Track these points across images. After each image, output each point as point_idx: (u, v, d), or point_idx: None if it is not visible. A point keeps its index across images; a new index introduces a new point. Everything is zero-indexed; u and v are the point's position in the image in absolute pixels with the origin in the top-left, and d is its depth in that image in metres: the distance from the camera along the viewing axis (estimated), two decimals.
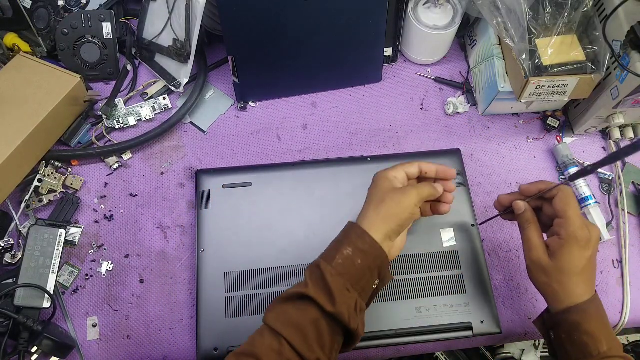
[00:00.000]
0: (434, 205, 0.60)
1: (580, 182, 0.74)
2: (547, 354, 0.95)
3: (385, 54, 0.82)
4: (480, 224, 0.69)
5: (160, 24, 0.77)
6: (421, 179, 0.59)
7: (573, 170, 0.75)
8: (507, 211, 0.61)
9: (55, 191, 0.73)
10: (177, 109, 0.78)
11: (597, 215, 0.73)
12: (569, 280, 0.55)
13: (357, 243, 0.51)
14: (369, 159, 0.73)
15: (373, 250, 0.51)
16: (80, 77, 0.73)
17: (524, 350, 0.91)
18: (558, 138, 0.79)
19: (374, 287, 0.53)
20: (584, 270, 0.55)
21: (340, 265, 0.50)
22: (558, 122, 0.79)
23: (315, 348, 0.47)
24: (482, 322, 0.65)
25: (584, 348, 0.53)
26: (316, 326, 0.48)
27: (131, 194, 0.75)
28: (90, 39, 0.79)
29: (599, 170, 0.77)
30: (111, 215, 0.74)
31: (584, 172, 0.53)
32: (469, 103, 0.82)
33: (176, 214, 0.74)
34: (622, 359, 0.53)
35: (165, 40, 0.77)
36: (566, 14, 0.67)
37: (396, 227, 0.53)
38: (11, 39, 0.76)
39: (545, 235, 0.59)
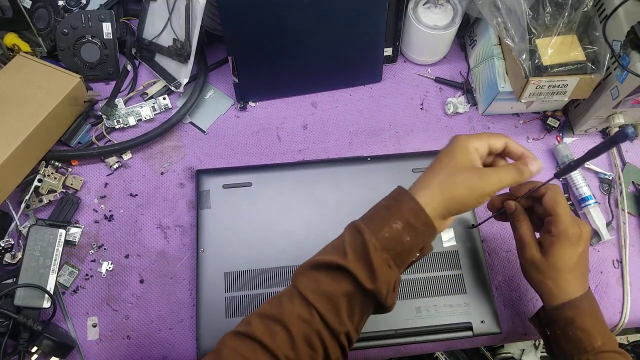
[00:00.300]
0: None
1: (580, 182, 0.74)
2: (547, 354, 0.95)
3: (385, 54, 0.82)
4: (475, 226, 0.69)
5: (160, 24, 0.77)
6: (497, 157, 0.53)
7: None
8: (499, 212, 0.62)
9: (55, 191, 0.73)
10: (177, 109, 0.78)
11: (597, 215, 0.73)
12: (562, 277, 0.55)
13: (409, 218, 0.46)
14: (369, 159, 0.73)
15: (425, 229, 0.47)
16: (80, 77, 0.73)
17: (524, 350, 0.91)
18: (558, 138, 0.79)
19: (414, 259, 0.50)
20: (576, 267, 0.55)
21: (386, 240, 0.45)
22: (558, 122, 0.79)
23: (345, 320, 0.45)
24: (482, 322, 0.65)
25: (579, 343, 0.54)
26: (349, 299, 0.45)
27: (131, 194, 0.75)
28: (90, 39, 0.79)
29: (599, 170, 0.77)
30: (111, 215, 0.74)
31: (569, 168, 0.53)
32: (469, 103, 0.82)
33: (176, 214, 0.74)
34: (617, 354, 0.54)
35: (165, 40, 0.77)
36: (566, 14, 0.67)
37: (457, 211, 0.48)
38: (11, 39, 0.76)
39: (537, 234, 0.59)
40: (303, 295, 0.45)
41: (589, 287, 0.57)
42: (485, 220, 0.69)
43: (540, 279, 0.57)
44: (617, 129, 0.78)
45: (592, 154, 0.49)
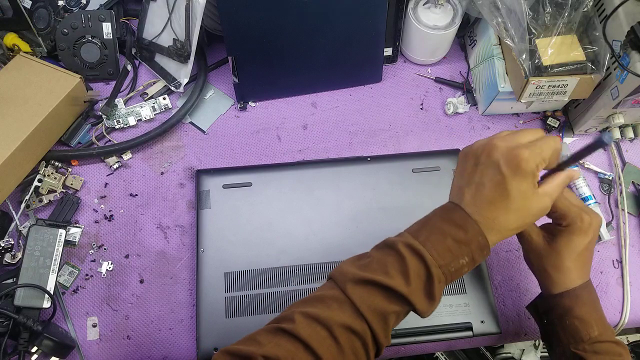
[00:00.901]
0: None
1: (580, 182, 0.74)
2: (547, 354, 0.95)
3: (385, 54, 0.82)
4: None
5: (160, 24, 0.77)
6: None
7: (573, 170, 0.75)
8: None
9: (55, 191, 0.73)
10: (177, 109, 0.78)
11: None
12: (565, 266, 0.54)
13: (475, 255, 0.46)
14: (369, 159, 0.73)
15: (483, 259, 0.47)
16: (80, 77, 0.73)
17: (524, 350, 0.91)
18: (558, 138, 0.79)
19: None
20: (580, 256, 0.55)
21: (450, 274, 0.46)
22: (558, 122, 0.79)
23: (389, 335, 0.46)
24: (482, 322, 0.65)
25: (575, 333, 0.54)
26: (397, 317, 0.46)
27: (131, 194, 0.75)
28: (90, 39, 0.79)
29: (599, 170, 0.77)
30: (111, 215, 0.74)
31: (555, 170, 0.50)
32: (469, 103, 0.82)
33: (176, 214, 0.74)
34: (614, 344, 0.53)
35: (165, 40, 0.77)
36: (566, 14, 0.67)
37: (512, 234, 0.49)
38: (11, 39, 0.76)
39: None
40: (357, 307, 0.44)
41: (589, 278, 0.56)
42: None
43: (542, 265, 0.56)
44: (617, 129, 0.78)
45: (570, 161, 0.48)
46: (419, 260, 0.45)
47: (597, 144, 0.43)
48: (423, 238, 0.46)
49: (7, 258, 0.68)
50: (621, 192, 0.76)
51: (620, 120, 0.73)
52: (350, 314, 0.44)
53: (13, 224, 0.71)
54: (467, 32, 0.84)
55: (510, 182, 0.45)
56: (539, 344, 0.91)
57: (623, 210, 0.75)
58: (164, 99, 0.80)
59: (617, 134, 0.78)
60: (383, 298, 0.45)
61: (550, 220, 0.58)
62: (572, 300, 0.54)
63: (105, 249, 0.72)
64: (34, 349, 0.63)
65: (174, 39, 0.75)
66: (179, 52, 0.75)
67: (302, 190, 0.70)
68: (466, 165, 0.50)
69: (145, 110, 0.79)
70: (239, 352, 0.42)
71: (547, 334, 0.58)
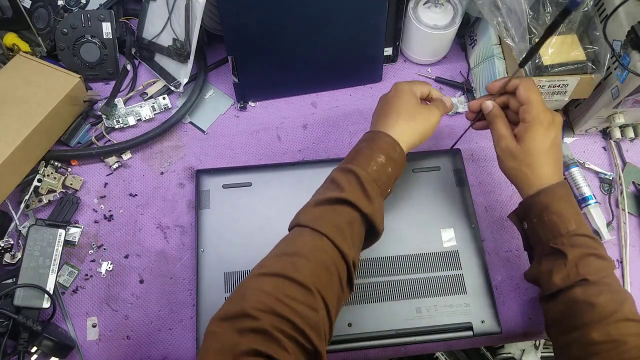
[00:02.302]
0: None
1: (580, 182, 0.74)
2: (547, 354, 0.95)
3: (385, 53, 0.82)
4: (453, 147, 0.73)
5: (160, 24, 0.77)
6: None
7: (574, 169, 0.75)
8: (476, 119, 0.65)
9: (55, 191, 0.73)
10: (177, 108, 0.78)
11: (597, 215, 0.73)
12: (537, 162, 0.57)
13: (389, 152, 0.55)
14: None
15: (401, 160, 0.57)
16: (80, 77, 0.73)
17: (524, 350, 0.91)
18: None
19: (389, 191, 0.57)
20: (550, 152, 0.57)
21: (374, 172, 0.54)
22: None
23: (351, 247, 0.50)
24: (482, 322, 0.64)
25: (554, 228, 0.56)
26: (352, 227, 0.51)
27: (131, 194, 0.75)
28: (89, 38, 0.78)
29: (600, 170, 0.77)
30: (111, 215, 0.74)
31: (530, 52, 0.56)
32: (469, 103, 0.82)
33: (176, 214, 0.74)
34: (590, 238, 0.55)
35: (165, 40, 0.77)
36: None
37: (420, 142, 0.60)
38: (11, 38, 0.76)
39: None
40: (312, 227, 0.50)
41: (565, 178, 0.59)
42: (465, 132, 0.70)
43: (516, 166, 0.58)
44: (618, 128, 0.78)
45: (551, 30, 0.51)
46: (345, 172, 0.54)
47: (571, 4, 0.47)
48: (345, 160, 0.56)
49: (7, 258, 0.68)
50: (621, 192, 0.76)
51: (620, 120, 0.73)
52: (311, 236, 0.49)
53: (13, 224, 0.71)
54: (467, 31, 0.84)
55: (396, 98, 0.60)
56: (539, 344, 0.91)
57: (623, 210, 0.75)
58: (164, 98, 0.79)
59: (617, 133, 0.78)
60: (331, 211, 0.51)
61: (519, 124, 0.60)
62: (549, 196, 0.56)
63: (104, 249, 0.72)
64: (34, 349, 0.63)
65: (173, 38, 0.75)
66: (178, 52, 0.75)
67: (302, 190, 0.70)
68: (378, 105, 0.63)
69: (145, 110, 0.79)
70: (231, 313, 0.44)
71: (528, 240, 0.61)
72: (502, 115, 0.61)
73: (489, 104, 0.62)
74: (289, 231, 0.53)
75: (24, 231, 0.70)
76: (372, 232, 0.54)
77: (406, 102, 0.60)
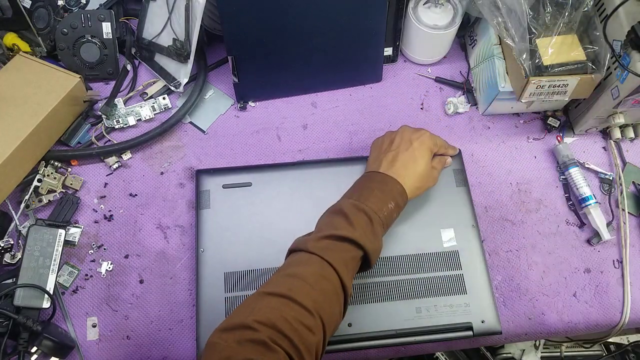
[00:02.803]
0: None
1: (580, 182, 0.74)
2: (547, 354, 0.95)
3: (385, 53, 0.82)
4: None
5: (160, 24, 0.77)
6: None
7: (574, 169, 0.75)
8: None
9: (55, 191, 0.73)
10: (177, 108, 0.78)
11: (597, 215, 0.73)
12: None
13: (398, 200, 0.60)
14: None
15: (404, 206, 0.62)
16: (80, 77, 0.73)
17: (524, 350, 0.91)
18: (558, 138, 0.79)
19: None
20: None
21: (385, 217, 0.58)
22: (558, 122, 0.79)
23: (350, 278, 0.54)
24: (482, 322, 0.64)
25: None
26: (354, 261, 0.55)
27: (131, 194, 0.75)
28: (89, 38, 0.78)
29: (600, 170, 0.77)
30: (111, 215, 0.74)
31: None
32: (469, 103, 0.82)
33: (176, 214, 0.74)
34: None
35: (165, 40, 0.77)
36: (566, 14, 0.67)
37: (420, 193, 0.65)
38: (11, 38, 0.76)
39: None
40: (321, 257, 0.52)
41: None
42: None
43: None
44: (618, 128, 0.78)
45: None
46: (359, 211, 0.57)
47: None
48: (357, 196, 0.59)
49: (7, 258, 0.68)
50: (621, 192, 0.76)
51: (620, 120, 0.73)
52: (318, 264, 0.52)
53: (13, 224, 0.71)
54: (467, 31, 0.84)
55: (418, 152, 0.64)
56: (539, 344, 0.91)
57: (623, 210, 0.75)
58: (164, 98, 0.79)
59: (617, 133, 0.78)
60: (340, 247, 0.54)
61: None
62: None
63: (105, 249, 0.72)
64: (34, 349, 0.63)
65: (173, 38, 0.75)
66: (178, 52, 0.75)
67: (302, 190, 0.70)
68: (382, 145, 0.67)
69: (145, 110, 0.79)
70: (232, 325, 0.46)
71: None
72: None
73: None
74: (291, 252, 0.56)
75: (24, 231, 0.70)
76: (364, 265, 0.58)
77: (427, 161, 0.64)
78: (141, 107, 0.79)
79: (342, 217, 0.57)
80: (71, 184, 0.74)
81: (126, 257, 0.71)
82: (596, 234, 0.73)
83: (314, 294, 0.49)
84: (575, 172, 0.75)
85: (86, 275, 0.70)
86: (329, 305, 0.51)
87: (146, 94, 0.81)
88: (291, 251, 0.56)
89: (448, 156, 0.71)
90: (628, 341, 0.95)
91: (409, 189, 0.62)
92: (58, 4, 0.80)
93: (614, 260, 0.73)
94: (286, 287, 0.49)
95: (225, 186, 0.70)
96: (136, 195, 0.75)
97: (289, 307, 0.47)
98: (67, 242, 0.70)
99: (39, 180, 0.72)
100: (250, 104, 0.82)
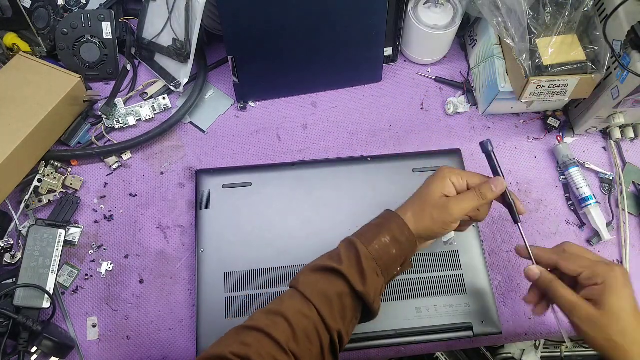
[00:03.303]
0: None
1: (580, 182, 0.74)
2: (547, 354, 0.95)
3: (385, 53, 0.82)
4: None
5: (160, 24, 0.77)
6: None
7: (574, 170, 0.75)
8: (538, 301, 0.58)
9: (55, 191, 0.73)
10: (177, 108, 0.78)
11: (597, 215, 0.73)
12: (630, 326, 0.49)
13: (395, 233, 0.53)
14: (369, 159, 0.73)
15: (408, 244, 0.54)
16: (80, 77, 0.73)
17: (524, 350, 0.91)
18: (558, 138, 0.79)
19: (395, 272, 0.55)
20: (637, 310, 0.50)
21: (375, 251, 0.52)
22: (558, 122, 0.79)
23: (338, 319, 0.50)
24: (482, 322, 0.64)
25: None
26: (341, 300, 0.50)
27: (131, 194, 0.75)
28: (89, 38, 0.78)
29: (600, 170, 0.77)
30: (111, 215, 0.74)
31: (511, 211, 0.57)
32: (469, 103, 0.82)
33: (176, 214, 0.74)
34: None
35: (165, 40, 0.77)
36: (566, 14, 0.67)
37: (427, 237, 0.56)
38: (11, 38, 0.76)
39: None
40: (302, 293, 0.50)
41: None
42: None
43: (606, 336, 0.50)
44: (618, 128, 0.78)
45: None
46: (348, 244, 0.53)
47: (483, 150, 0.58)
48: (357, 234, 0.55)
49: (7, 258, 0.68)
50: (621, 192, 0.76)
51: (620, 120, 0.73)
52: (299, 301, 0.50)
53: (13, 224, 0.71)
54: (467, 31, 0.84)
55: (428, 181, 0.57)
56: (539, 344, 0.91)
57: (623, 210, 0.75)
58: (164, 98, 0.79)
59: (617, 133, 0.78)
60: (324, 280, 0.51)
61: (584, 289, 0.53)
62: None
63: (104, 249, 0.72)
64: (34, 349, 0.63)
65: (173, 38, 0.75)
66: (178, 52, 0.75)
67: (302, 190, 0.70)
68: None
69: (145, 110, 0.79)
70: (209, 356, 0.46)
71: None
72: (558, 279, 0.54)
73: (535, 271, 0.55)
74: (290, 287, 0.53)
75: (24, 231, 0.70)
76: (366, 311, 0.53)
77: (429, 189, 0.55)
78: (141, 107, 0.79)
79: (335, 250, 0.54)
80: (71, 184, 0.74)
81: (126, 257, 0.71)
82: (596, 234, 0.73)
83: (290, 331, 0.48)
84: (575, 172, 0.75)
85: (86, 275, 0.70)
86: (306, 346, 0.48)
87: (146, 94, 0.81)
88: (290, 286, 0.54)
89: (489, 185, 0.55)
90: None
91: (414, 222, 0.54)
92: (58, 4, 0.80)
93: (614, 260, 0.73)
94: (264, 322, 0.49)
95: (225, 186, 0.70)
96: (136, 195, 0.75)
97: (265, 342, 0.47)
98: (67, 242, 0.70)
99: (39, 180, 0.72)
100: (250, 104, 0.82)
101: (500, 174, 0.57)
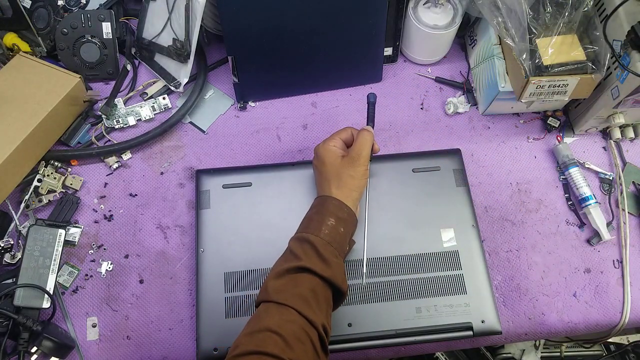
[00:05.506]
0: None
1: (580, 182, 0.74)
2: (547, 354, 0.95)
3: (385, 53, 0.82)
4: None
5: (160, 24, 0.77)
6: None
7: (574, 169, 0.75)
8: None
9: (55, 191, 0.73)
10: (177, 108, 0.78)
11: (597, 215, 0.73)
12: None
13: (337, 213, 0.58)
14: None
15: (351, 218, 0.59)
16: (80, 77, 0.73)
17: (524, 350, 0.91)
18: (558, 138, 0.79)
19: (347, 250, 0.60)
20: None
21: (327, 235, 0.55)
22: (558, 122, 0.79)
23: (318, 313, 0.51)
24: (482, 322, 0.64)
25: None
26: (314, 293, 0.52)
27: (131, 194, 0.75)
28: (89, 38, 0.78)
29: (600, 170, 0.77)
30: (111, 215, 0.74)
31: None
32: (469, 103, 0.82)
33: (176, 214, 0.74)
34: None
35: (165, 40, 0.77)
36: (566, 14, 0.67)
37: (359, 195, 0.61)
38: (11, 38, 0.76)
39: None
40: (276, 301, 0.51)
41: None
42: None
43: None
44: (618, 128, 0.78)
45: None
46: (299, 241, 0.56)
47: (368, 100, 0.67)
48: (300, 230, 0.58)
49: (7, 258, 0.68)
50: (621, 192, 0.76)
51: (620, 120, 0.73)
52: (276, 310, 0.50)
53: (13, 224, 0.71)
54: (467, 31, 0.84)
55: (321, 157, 0.62)
56: (539, 344, 0.91)
57: (623, 210, 0.75)
58: (164, 98, 0.79)
59: (617, 133, 0.78)
60: (292, 282, 0.52)
61: None
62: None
63: (104, 249, 0.72)
64: (34, 349, 0.63)
65: (173, 38, 0.75)
66: (178, 52, 0.75)
67: (302, 190, 0.70)
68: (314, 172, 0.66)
69: (145, 110, 0.79)
70: None
71: None
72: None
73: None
74: (256, 307, 0.53)
75: (24, 231, 0.70)
76: (337, 293, 0.55)
77: (327, 164, 0.61)
78: (141, 107, 0.79)
79: (288, 253, 0.56)
80: (71, 184, 0.74)
81: (126, 257, 0.71)
82: (596, 234, 0.73)
83: (282, 342, 0.48)
84: (575, 172, 0.75)
85: (86, 275, 0.70)
86: (301, 349, 0.49)
87: (146, 94, 0.81)
88: (256, 305, 0.55)
89: (358, 131, 0.64)
90: (628, 341, 0.95)
91: (344, 197, 0.59)
92: (58, 4, 0.80)
93: (614, 260, 0.73)
94: (253, 343, 0.48)
95: (225, 186, 0.70)
96: (136, 195, 0.75)
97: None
98: (67, 242, 0.70)
99: (39, 180, 0.72)
100: (250, 104, 0.82)
101: (372, 123, 0.67)
